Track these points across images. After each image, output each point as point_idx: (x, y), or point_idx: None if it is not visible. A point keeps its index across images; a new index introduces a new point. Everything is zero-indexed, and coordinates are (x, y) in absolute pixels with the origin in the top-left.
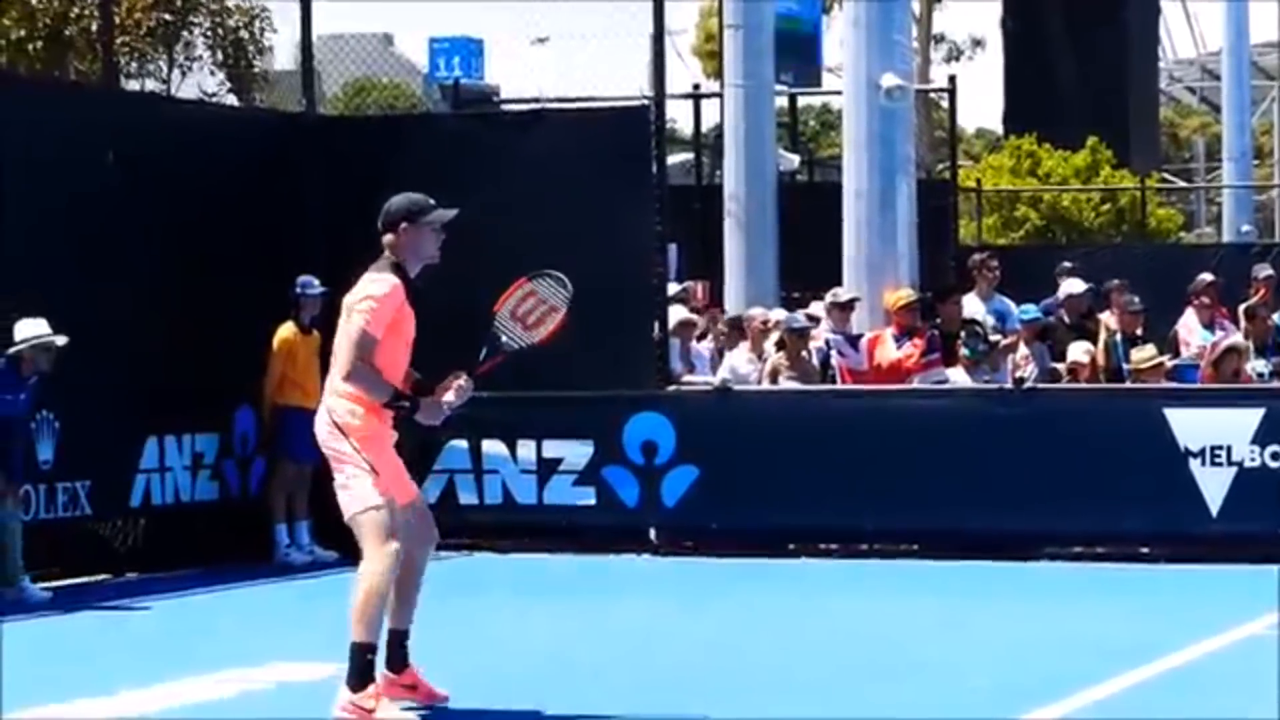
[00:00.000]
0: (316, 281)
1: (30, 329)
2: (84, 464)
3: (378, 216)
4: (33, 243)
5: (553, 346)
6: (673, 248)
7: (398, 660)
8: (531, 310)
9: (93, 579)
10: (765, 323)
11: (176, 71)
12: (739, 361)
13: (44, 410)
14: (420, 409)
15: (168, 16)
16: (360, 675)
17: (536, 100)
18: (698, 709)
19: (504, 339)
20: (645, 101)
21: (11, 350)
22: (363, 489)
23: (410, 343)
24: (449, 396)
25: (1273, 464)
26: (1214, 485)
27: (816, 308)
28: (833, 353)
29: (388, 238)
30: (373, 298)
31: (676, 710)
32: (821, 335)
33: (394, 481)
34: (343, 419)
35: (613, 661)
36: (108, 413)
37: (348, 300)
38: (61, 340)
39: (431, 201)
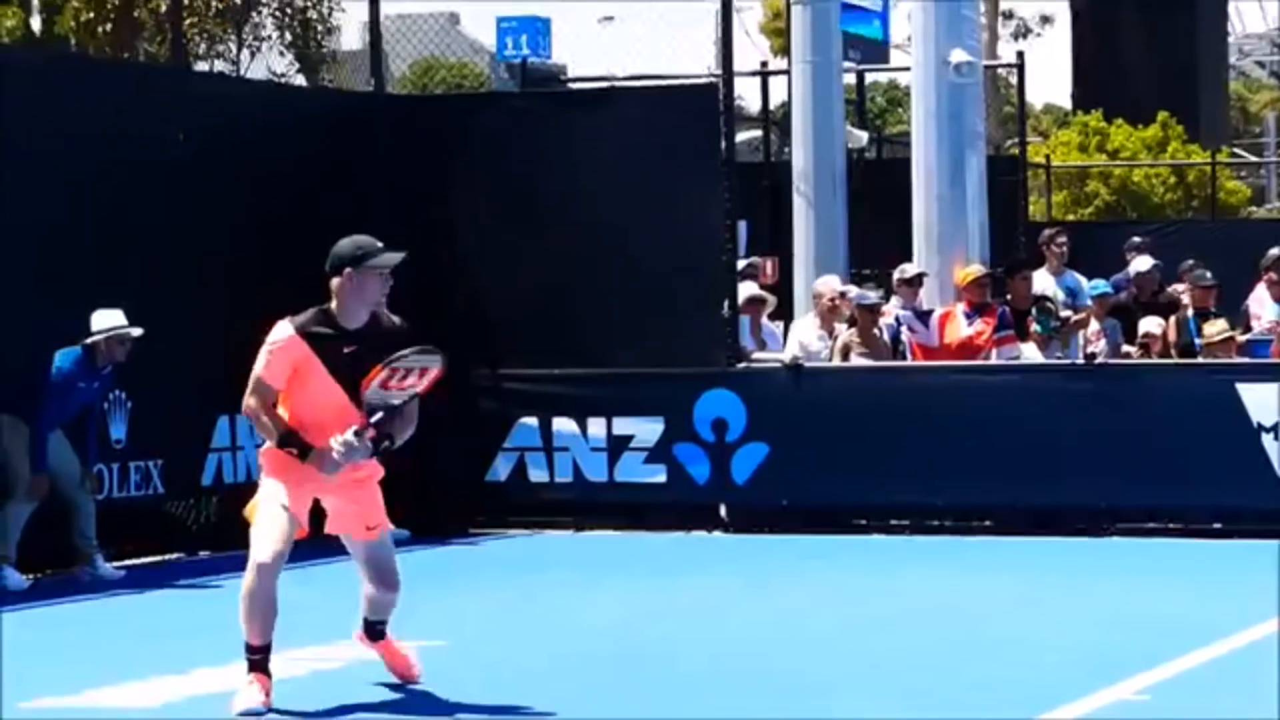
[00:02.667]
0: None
1: (107, 320)
2: (156, 443)
3: (447, 195)
4: (104, 224)
5: (624, 323)
6: (742, 225)
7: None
8: (404, 377)
9: (165, 558)
10: (833, 299)
11: (245, 52)
12: (809, 337)
13: (116, 390)
14: (311, 457)
15: None
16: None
17: (604, 79)
18: (765, 686)
19: (380, 406)
20: (713, 79)
21: (88, 340)
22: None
23: (338, 389)
24: (336, 446)
25: None
26: None
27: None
28: (903, 329)
29: (333, 281)
30: (268, 345)
31: (744, 687)
32: (892, 312)
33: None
34: (261, 446)
35: (682, 639)
36: (179, 392)
37: None
38: (137, 332)
39: (379, 245)
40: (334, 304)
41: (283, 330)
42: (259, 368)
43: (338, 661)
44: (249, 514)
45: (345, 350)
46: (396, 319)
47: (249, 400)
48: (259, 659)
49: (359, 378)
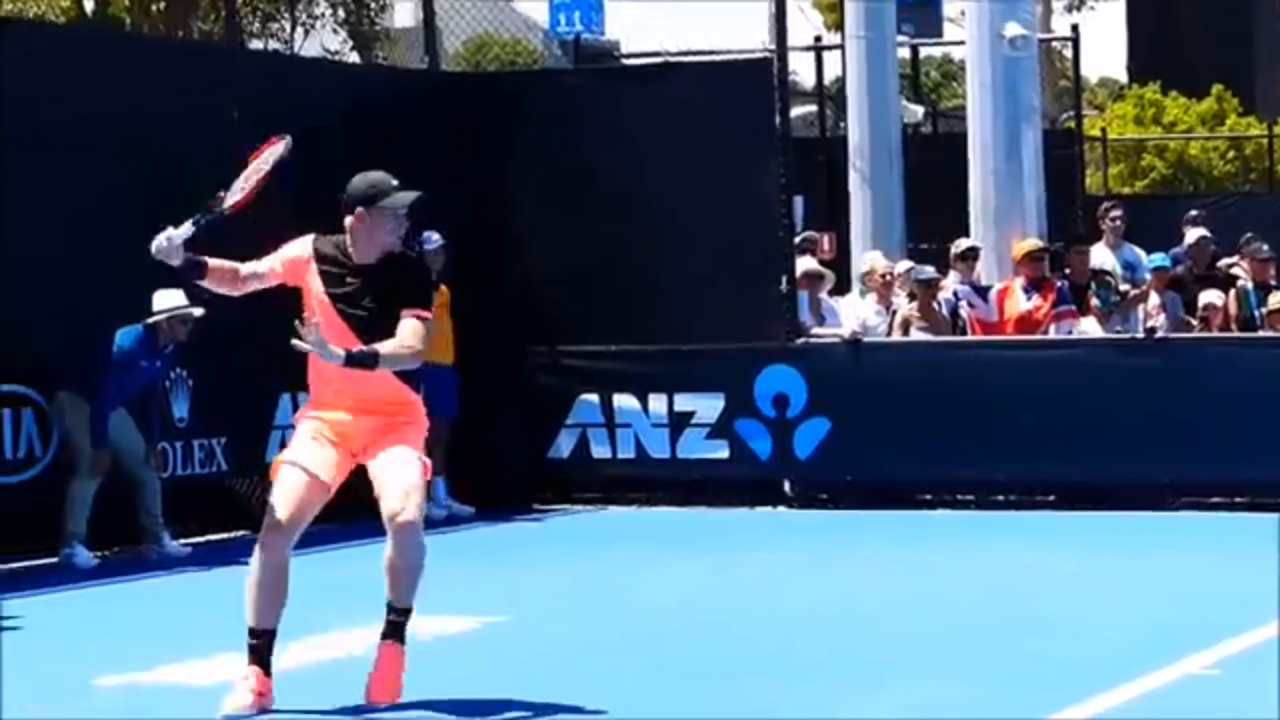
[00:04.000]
0: (436, 235)
1: (169, 300)
2: (219, 421)
3: (502, 172)
4: (161, 201)
5: (682, 299)
6: (798, 200)
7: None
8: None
9: (231, 535)
10: (886, 275)
11: (299, 30)
12: (866, 312)
13: (179, 369)
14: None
15: None
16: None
17: (657, 55)
18: (827, 662)
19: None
20: (767, 54)
21: (150, 320)
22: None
23: (337, 319)
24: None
25: None
26: None
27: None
28: (962, 304)
29: (346, 220)
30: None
31: (806, 663)
32: (950, 286)
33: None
34: None
35: (744, 615)
36: (242, 370)
37: None
38: (199, 311)
39: (394, 183)
40: (347, 238)
41: (302, 244)
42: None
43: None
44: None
45: (348, 281)
46: (412, 254)
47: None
48: (258, 645)
49: (355, 313)
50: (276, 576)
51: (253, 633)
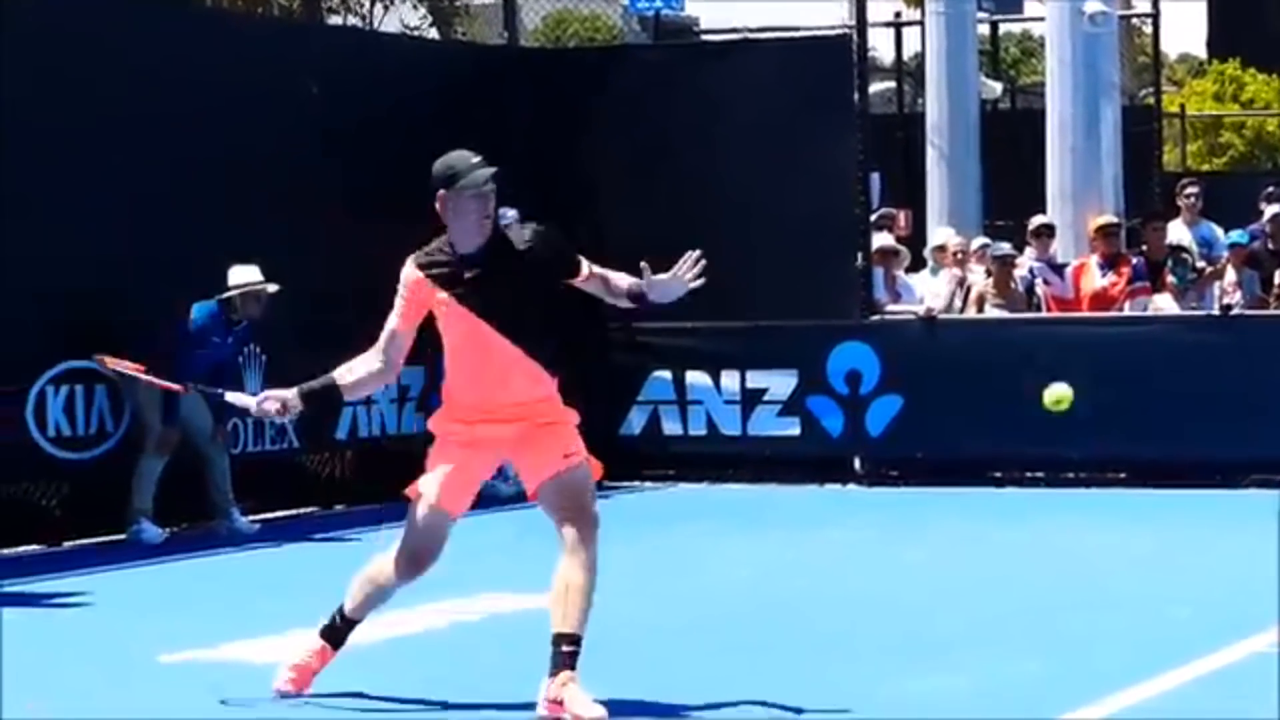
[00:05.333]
0: (512, 212)
1: (243, 275)
2: None
3: (580, 148)
4: (238, 178)
5: (757, 276)
6: (875, 176)
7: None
8: None
9: (301, 511)
10: (958, 251)
11: (378, 6)
12: (941, 289)
13: (251, 345)
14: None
15: None
16: (329, 638)
17: (737, 31)
18: (897, 640)
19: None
20: (846, 30)
21: (224, 295)
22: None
23: (483, 325)
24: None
25: None
26: None
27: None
28: (1038, 280)
29: (437, 206)
30: (399, 289)
31: (876, 641)
32: (1026, 263)
33: (439, 492)
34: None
35: (816, 593)
36: (313, 347)
37: None
38: (273, 288)
39: (472, 160)
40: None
41: (407, 269)
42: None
43: (475, 615)
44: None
45: (467, 277)
46: (528, 231)
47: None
48: (344, 628)
49: (496, 305)
50: (384, 594)
51: (345, 617)
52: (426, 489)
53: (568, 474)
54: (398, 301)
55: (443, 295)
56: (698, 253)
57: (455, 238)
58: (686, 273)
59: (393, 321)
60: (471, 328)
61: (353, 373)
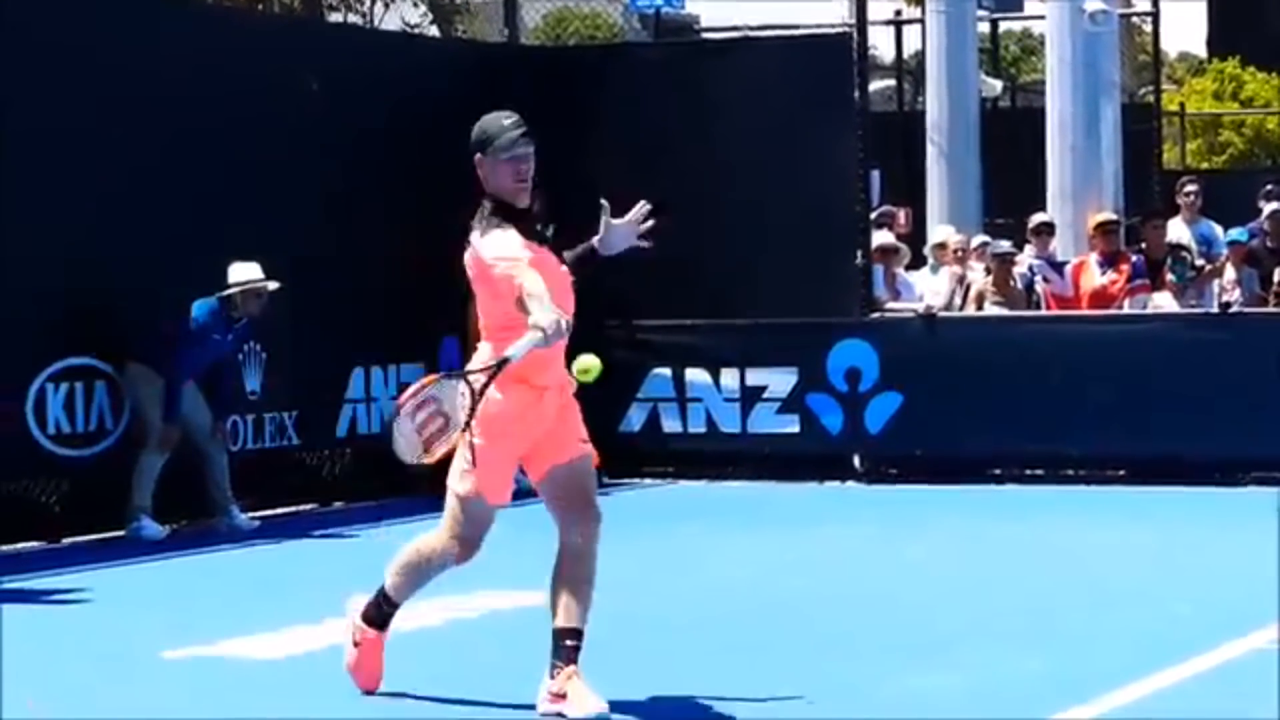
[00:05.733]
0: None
1: (243, 273)
2: (291, 395)
3: (580, 145)
4: (237, 176)
5: (756, 273)
6: (875, 174)
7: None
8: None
9: (300, 508)
10: (958, 249)
11: (379, 3)
12: (940, 287)
13: (251, 342)
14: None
15: None
16: (374, 620)
17: (737, 29)
18: (897, 637)
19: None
20: (846, 28)
21: (224, 293)
22: (456, 467)
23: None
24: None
25: None
26: None
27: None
28: (1037, 278)
29: (478, 173)
30: (512, 256)
31: (876, 638)
32: (1025, 261)
33: (491, 480)
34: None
35: (815, 591)
36: (313, 344)
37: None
38: (273, 285)
39: (505, 122)
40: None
41: (510, 238)
42: (526, 281)
43: (473, 611)
44: (456, 483)
45: (538, 229)
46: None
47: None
48: (389, 614)
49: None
50: (432, 575)
51: (389, 600)
52: (485, 484)
53: (580, 461)
54: (522, 264)
55: (532, 255)
56: (646, 205)
57: (505, 197)
58: (636, 220)
59: (538, 281)
60: (556, 275)
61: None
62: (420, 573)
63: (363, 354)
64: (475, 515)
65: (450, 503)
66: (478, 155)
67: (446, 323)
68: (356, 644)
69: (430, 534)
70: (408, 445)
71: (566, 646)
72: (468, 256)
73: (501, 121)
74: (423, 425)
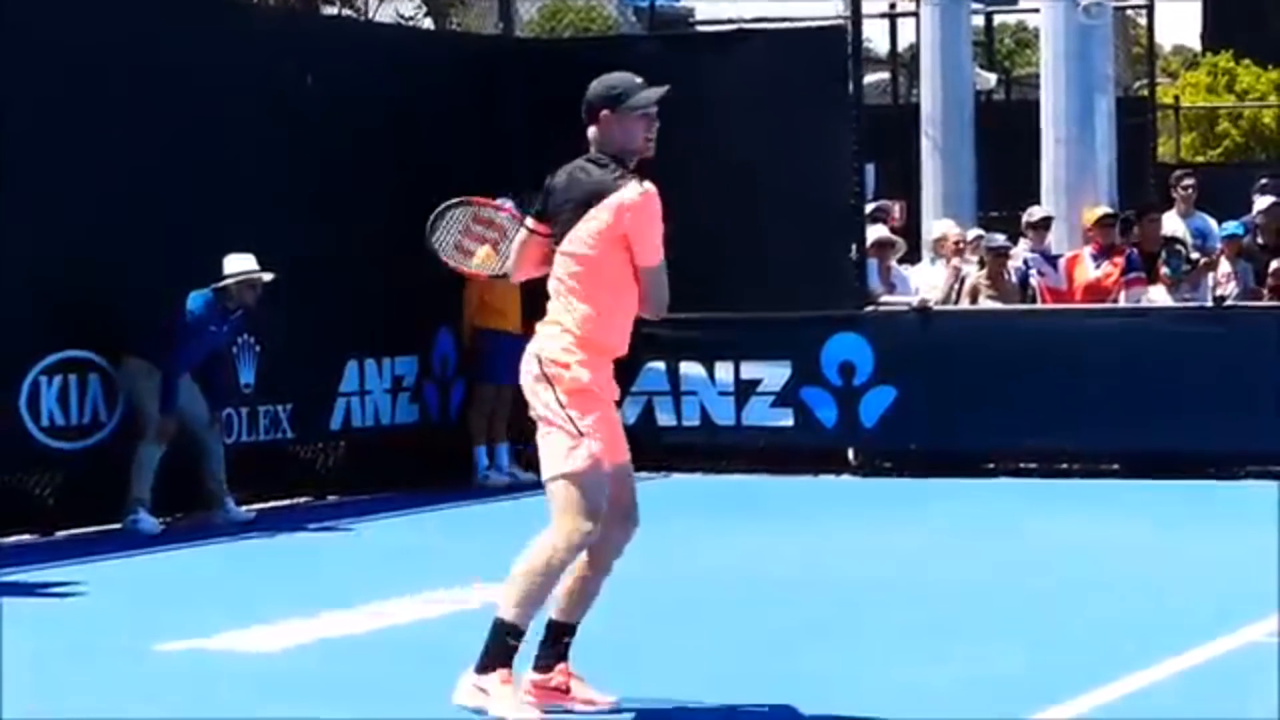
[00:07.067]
0: (509, 202)
1: (238, 264)
2: (285, 387)
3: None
4: (232, 167)
5: (751, 267)
6: (870, 168)
7: (551, 657)
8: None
9: (294, 501)
10: (958, 242)
11: None
12: (936, 280)
13: (245, 335)
14: None
15: None
16: (495, 658)
17: (732, 22)
18: (890, 630)
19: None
20: (841, 21)
21: (219, 284)
22: (558, 450)
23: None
24: None
25: None
26: None
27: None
28: (1032, 272)
29: (591, 130)
30: (653, 210)
31: (869, 630)
32: (1020, 255)
33: (604, 444)
34: (551, 368)
35: (808, 583)
36: (308, 336)
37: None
38: (268, 276)
39: (638, 81)
40: (608, 151)
41: (648, 188)
42: (658, 241)
43: (472, 603)
44: (547, 484)
45: None
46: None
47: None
48: (517, 646)
49: None
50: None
51: (516, 633)
52: (600, 447)
53: (629, 464)
54: (656, 223)
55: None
56: None
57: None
58: None
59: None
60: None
61: None
62: (547, 585)
63: (357, 347)
64: (595, 485)
65: (560, 494)
66: (604, 111)
67: (440, 315)
68: (487, 690)
69: (538, 547)
70: (446, 234)
71: (566, 644)
72: (606, 201)
73: (633, 79)
74: (469, 232)
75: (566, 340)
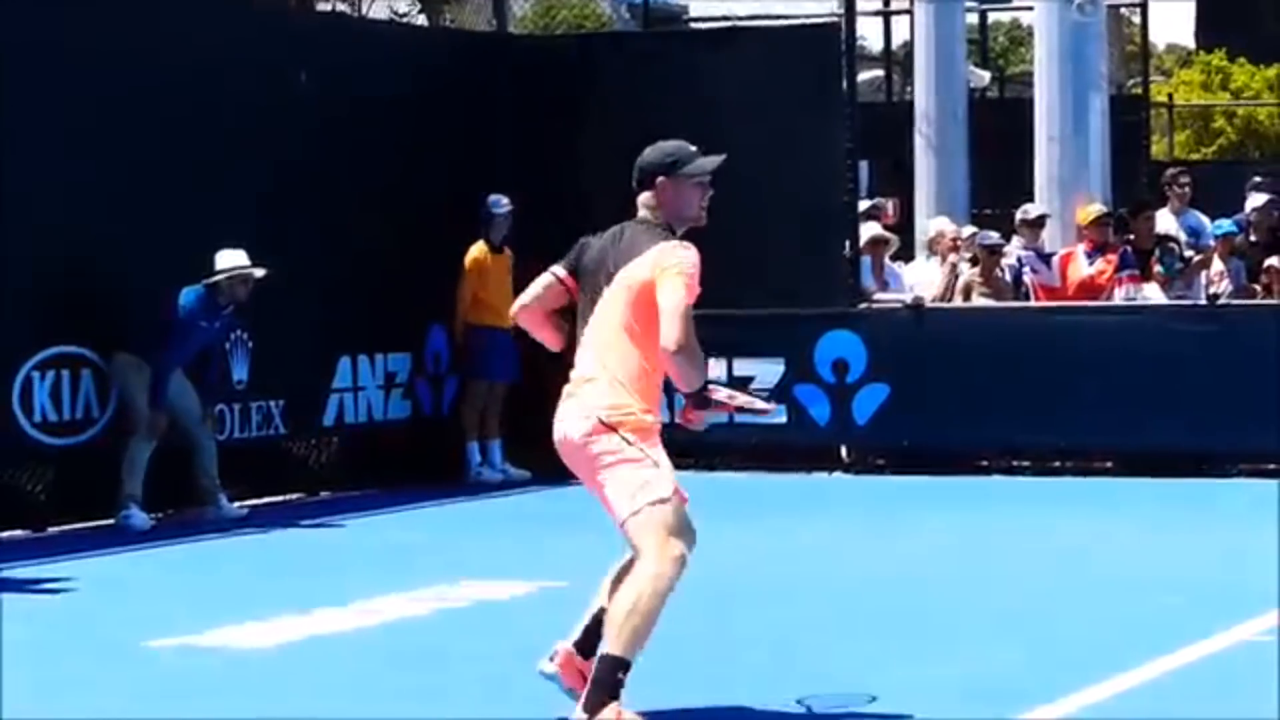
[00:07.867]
0: (505, 200)
1: (230, 260)
2: (278, 383)
3: (569, 135)
4: (225, 163)
5: (745, 264)
6: (864, 165)
7: (588, 647)
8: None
9: (287, 498)
10: (955, 239)
11: None
12: (930, 278)
13: (238, 330)
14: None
15: None
16: (606, 693)
17: (726, 19)
18: (883, 628)
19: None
20: (835, 19)
21: (211, 280)
22: (633, 483)
23: None
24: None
25: None
26: None
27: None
28: (1025, 270)
29: (644, 196)
30: (690, 267)
31: (861, 629)
32: (1014, 252)
33: (671, 474)
34: (613, 416)
35: (801, 580)
36: (301, 332)
37: (636, 267)
38: (260, 272)
39: (692, 149)
40: (657, 220)
41: (694, 252)
42: (687, 296)
43: (463, 600)
44: (631, 519)
45: None
46: None
47: (692, 338)
48: (625, 678)
49: None
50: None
51: (627, 667)
52: (671, 478)
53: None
54: (688, 280)
55: None
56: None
57: (674, 226)
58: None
59: (685, 298)
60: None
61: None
62: (656, 613)
63: (349, 343)
64: (679, 508)
65: (650, 521)
66: (660, 178)
67: (433, 311)
68: None
69: (640, 580)
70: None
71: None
72: (632, 263)
73: (688, 147)
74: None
75: (621, 391)
